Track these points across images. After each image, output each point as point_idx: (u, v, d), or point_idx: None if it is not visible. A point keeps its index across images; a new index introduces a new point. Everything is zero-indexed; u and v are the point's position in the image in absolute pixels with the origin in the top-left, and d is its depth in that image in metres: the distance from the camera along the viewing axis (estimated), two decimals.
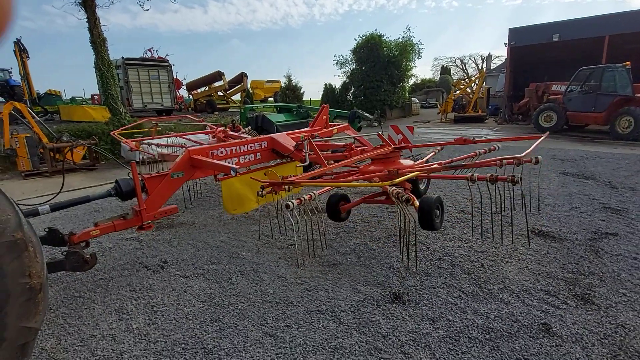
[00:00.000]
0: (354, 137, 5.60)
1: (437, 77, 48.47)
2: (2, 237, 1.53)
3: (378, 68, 21.69)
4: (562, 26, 17.21)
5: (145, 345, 2.54)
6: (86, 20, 11.21)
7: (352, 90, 23.82)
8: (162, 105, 18.77)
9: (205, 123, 9.22)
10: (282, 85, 28.10)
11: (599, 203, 5.21)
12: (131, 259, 3.93)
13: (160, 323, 2.78)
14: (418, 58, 23.12)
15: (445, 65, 50.57)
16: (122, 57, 17.06)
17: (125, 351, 2.50)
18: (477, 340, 2.47)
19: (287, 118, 11.05)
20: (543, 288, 3.06)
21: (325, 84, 25.10)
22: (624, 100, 12.13)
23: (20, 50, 16.98)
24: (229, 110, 22.82)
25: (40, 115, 14.47)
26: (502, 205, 3.82)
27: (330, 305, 2.93)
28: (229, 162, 4.16)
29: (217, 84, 23.09)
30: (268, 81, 32.82)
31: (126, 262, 3.84)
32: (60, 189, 3.55)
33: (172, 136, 7.08)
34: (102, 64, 11.58)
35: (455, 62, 51.68)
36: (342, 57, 23.85)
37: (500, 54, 44.03)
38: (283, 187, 3.35)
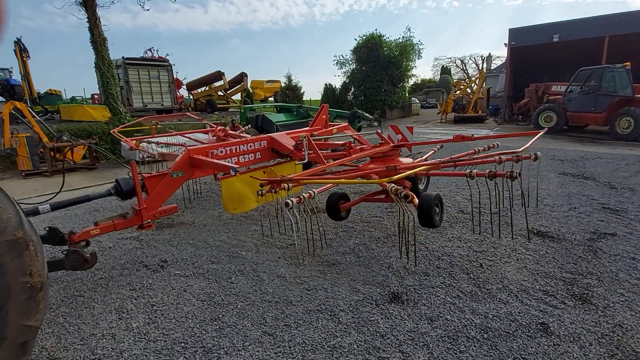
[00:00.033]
0: (352, 137, 5.61)
1: (437, 77, 48.48)
2: (4, 235, 1.54)
3: (378, 68, 21.70)
4: (562, 26, 17.22)
5: (145, 344, 2.56)
6: (87, 19, 11.24)
7: (352, 90, 23.82)
8: (162, 105, 18.79)
9: (205, 122, 9.23)
10: (282, 85, 28.11)
11: (598, 203, 5.23)
12: (131, 258, 3.94)
13: (160, 322, 2.79)
14: (418, 58, 23.16)
15: (445, 66, 50.62)
16: (123, 57, 17.09)
17: (125, 350, 2.51)
18: (475, 339, 2.48)
19: (287, 118, 11.07)
20: (541, 288, 3.08)
21: (326, 84, 25.13)
22: (624, 101, 12.15)
23: (21, 50, 16.98)
24: (229, 110, 22.83)
25: (40, 114, 14.47)
26: (501, 202, 3.83)
27: (329, 305, 2.94)
28: (228, 162, 4.17)
29: (217, 84, 23.13)
30: (268, 81, 32.83)
31: (126, 262, 3.85)
32: (61, 188, 3.57)
33: (172, 135, 7.09)
34: (103, 64, 11.60)
35: (455, 62, 51.74)
36: (343, 57, 23.88)
37: (501, 54, 44.12)
38: (282, 186, 3.36)
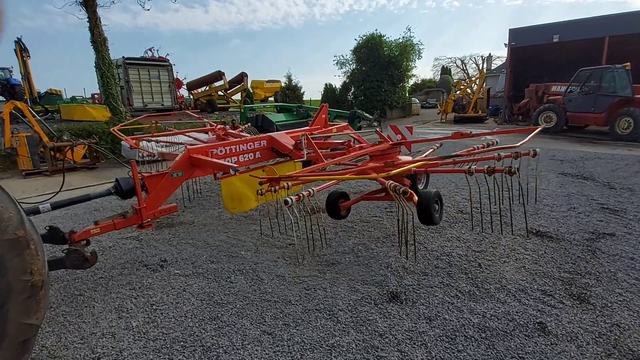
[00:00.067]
0: (352, 136, 5.62)
1: (438, 78, 48.48)
2: (5, 234, 1.55)
3: (378, 68, 21.70)
4: (562, 27, 17.23)
5: (145, 343, 2.57)
6: (87, 19, 11.26)
7: (352, 90, 23.84)
8: (162, 104, 18.80)
9: (205, 120, 9.24)
10: (282, 85, 28.11)
11: (597, 203, 5.24)
12: (131, 257, 3.95)
13: (160, 321, 2.81)
14: (418, 58, 23.16)
15: (445, 66, 50.61)
16: (123, 57, 17.10)
17: (124, 349, 2.52)
18: (473, 339, 2.49)
19: (287, 118, 11.09)
20: (539, 288, 3.09)
21: (326, 84, 25.16)
22: (624, 101, 12.15)
23: (21, 49, 16.98)
24: (229, 110, 22.83)
25: (40, 114, 14.46)
26: (501, 200, 3.83)
27: (328, 304, 2.95)
28: (228, 161, 4.18)
29: (217, 84, 23.10)
30: (268, 81, 32.83)
31: (126, 261, 3.87)
32: (61, 188, 3.58)
33: (172, 133, 7.10)
34: (103, 64, 11.62)
35: (455, 63, 51.71)
36: (343, 57, 23.91)
37: (501, 54, 44.17)
38: (282, 185, 3.37)
